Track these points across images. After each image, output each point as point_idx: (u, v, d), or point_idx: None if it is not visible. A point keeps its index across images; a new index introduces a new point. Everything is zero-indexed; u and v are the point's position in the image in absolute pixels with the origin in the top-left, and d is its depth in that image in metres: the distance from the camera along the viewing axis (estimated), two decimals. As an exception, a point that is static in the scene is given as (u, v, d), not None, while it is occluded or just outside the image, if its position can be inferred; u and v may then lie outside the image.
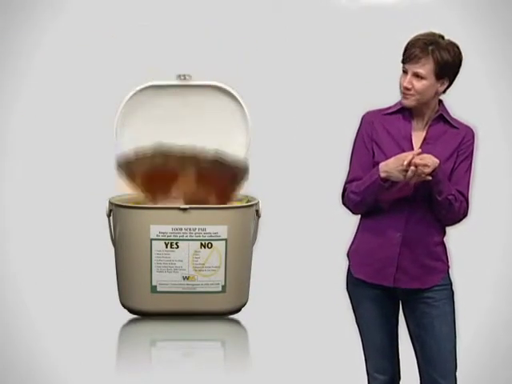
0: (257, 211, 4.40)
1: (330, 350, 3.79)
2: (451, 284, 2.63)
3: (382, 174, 2.50)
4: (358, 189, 2.57)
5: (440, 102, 2.60)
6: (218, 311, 4.36)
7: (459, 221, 2.58)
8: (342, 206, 2.68)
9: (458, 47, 2.53)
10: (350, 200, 2.61)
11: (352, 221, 2.73)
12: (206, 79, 4.46)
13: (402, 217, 2.55)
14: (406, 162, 2.44)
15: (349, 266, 2.69)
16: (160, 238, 4.24)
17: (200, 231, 4.25)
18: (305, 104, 4.77)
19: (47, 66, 4.73)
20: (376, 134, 2.60)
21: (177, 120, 4.50)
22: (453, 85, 2.57)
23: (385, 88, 2.99)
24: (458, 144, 2.57)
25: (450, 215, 2.55)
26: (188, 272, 4.27)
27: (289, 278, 4.55)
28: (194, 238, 4.25)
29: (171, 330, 4.26)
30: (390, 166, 2.48)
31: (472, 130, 2.60)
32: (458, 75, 2.56)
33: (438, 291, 2.59)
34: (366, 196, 2.56)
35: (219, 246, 4.27)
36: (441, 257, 2.61)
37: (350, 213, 2.67)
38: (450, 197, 2.51)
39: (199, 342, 4.16)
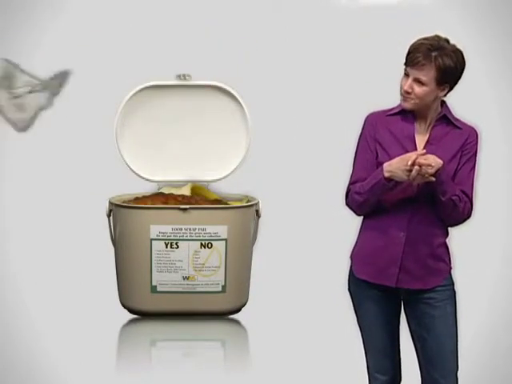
0: (257, 211, 4.40)
1: (330, 350, 3.79)
2: (453, 284, 2.64)
3: (386, 174, 2.50)
4: (362, 189, 2.57)
5: (443, 102, 2.60)
6: (218, 311, 4.35)
7: (463, 221, 2.59)
8: (342, 206, 2.68)
9: (461, 53, 2.52)
10: (353, 200, 2.61)
11: (352, 221, 2.74)
12: (206, 79, 4.45)
13: (405, 217, 2.56)
14: (410, 162, 2.44)
15: (350, 266, 2.69)
16: (160, 238, 4.24)
17: (200, 231, 4.25)
18: (305, 104, 4.76)
19: (47, 66, 4.72)
20: (379, 134, 2.60)
21: (177, 120, 4.50)
22: (452, 85, 2.57)
23: (385, 88, 3.00)
24: (461, 144, 2.57)
25: (455, 215, 2.55)
26: (188, 272, 4.27)
27: (289, 278, 4.54)
28: (193, 238, 4.25)
29: (171, 330, 4.25)
30: (394, 166, 2.48)
31: (475, 131, 2.60)
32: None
33: (439, 292, 2.60)
34: (370, 196, 2.56)
35: (219, 246, 4.27)
36: (443, 258, 2.61)
37: (350, 213, 2.68)
38: (454, 197, 2.51)
39: (199, 342, 4.16)
